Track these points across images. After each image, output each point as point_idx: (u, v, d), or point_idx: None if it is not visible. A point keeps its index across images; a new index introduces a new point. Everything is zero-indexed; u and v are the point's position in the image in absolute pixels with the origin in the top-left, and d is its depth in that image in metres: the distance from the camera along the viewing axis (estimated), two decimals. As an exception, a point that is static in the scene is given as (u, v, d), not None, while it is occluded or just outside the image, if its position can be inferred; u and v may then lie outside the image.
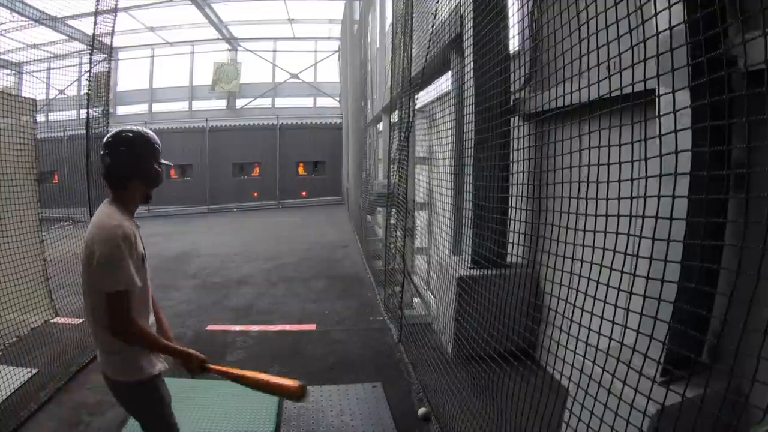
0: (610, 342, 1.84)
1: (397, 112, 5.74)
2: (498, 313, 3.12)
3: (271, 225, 14.83)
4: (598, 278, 1.82)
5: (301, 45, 20.67)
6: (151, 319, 2.30)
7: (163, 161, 2.26)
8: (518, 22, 2.97)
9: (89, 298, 2.08)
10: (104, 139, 2.18)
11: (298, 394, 2.20)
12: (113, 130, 2.23)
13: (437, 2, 4.19)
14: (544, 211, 2.32)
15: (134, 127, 2.23)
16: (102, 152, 2.13)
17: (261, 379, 2.37)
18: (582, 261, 1.91)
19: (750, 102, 1.44)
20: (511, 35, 3.49)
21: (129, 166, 2.13)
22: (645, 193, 1.63)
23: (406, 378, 4.35)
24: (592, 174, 1.88)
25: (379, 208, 8.47)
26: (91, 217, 4.78)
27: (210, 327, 5.82)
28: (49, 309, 5.42)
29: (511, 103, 3.62)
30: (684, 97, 1.72)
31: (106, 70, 5.08)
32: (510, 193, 2.82)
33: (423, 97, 5.40)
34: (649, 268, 1.69)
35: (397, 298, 5.25)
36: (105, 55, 4.97)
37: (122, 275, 1.97)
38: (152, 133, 2.26)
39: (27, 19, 6.41)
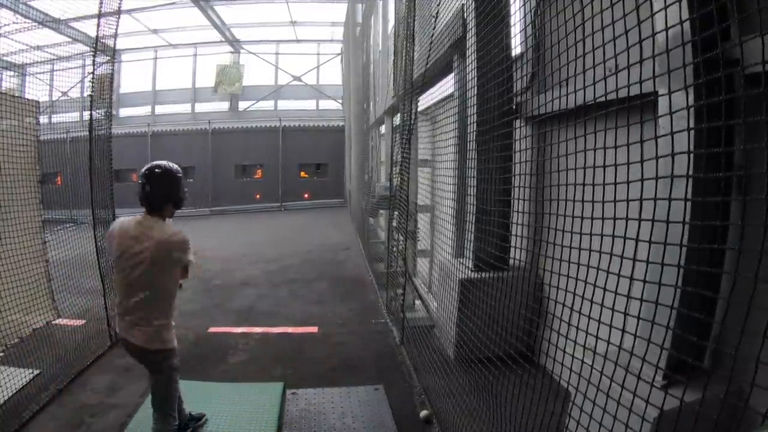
0: (608, 346, 1.84)
1: (399, 114, 5.75)
2: (499, 317, 3.12)
3: (273, 227, 14.85)
4: (595, 281, 1.81)
5: (303, 47, 20.71)
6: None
7: (186, 188, 2.99)
8: (520, 21, 2.97)
9: (146, 289, 2.78)
10: (143, 171, 2.84)
11: None
12: (150, 164, 2.88)
13: (438, 5, 4.20)
14: (546, 214, 2.32)
15: (165, 163, 2.90)
16: (142, 182, 2.81)
17: None
18: (579, 264, 1.91)
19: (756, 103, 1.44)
20: (513, 38, 3.50)
21: (165, 195, 2.86)
22: (655, 195, 1.63)
23: (407, 380, 4.34)
24: (589, 175, 1.88)
25: (381, 211, 8.48)
26: (93, 218, 4.84)
27: (212, 329, 5.82)
28: (51, 310, 5.43)
29: (514, 106, 3.62)
30: (686, 99, 1.72)
31: (109, 72, 5.10)
32: (512, 196, 2.82)
33: (425, 100, 5.40)
34: (646, 269, 1.69)
35: (399, 300, 5.25)
36: (108, 57, 4.99)
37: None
38: (177, 166, 2.95)
39: (30, 21, 6.44)
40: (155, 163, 2.89)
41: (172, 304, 2.95)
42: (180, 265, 2.88)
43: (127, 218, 2.87)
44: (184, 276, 3.00)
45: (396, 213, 5.57)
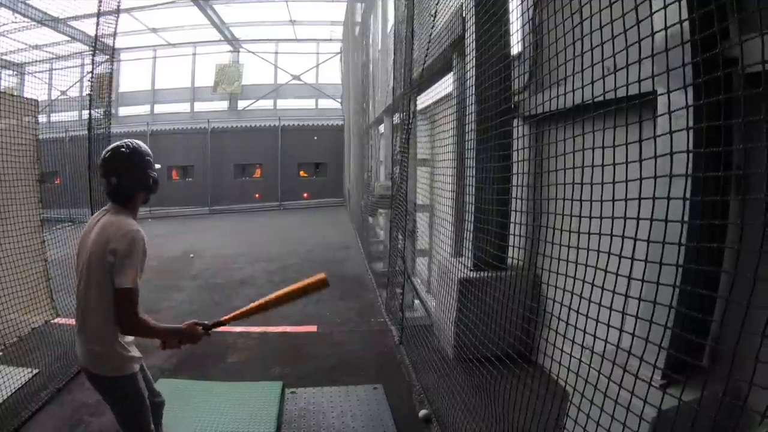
0: (605, 345, 1.84)
1: (398, 113, 5.75)
2: (498, 316, 3.12)
3: (272, 226, 14.84)
4: (593, 280, 1.82)
5: (302, 47, 20.69)
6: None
7: (157, 166, 2.46)
8: (518, 20, 2.97)
9: (96, 294, 2.20)
10: (102, 159, 2.32)
11: (325, 283, 2.75)
12: (109, 147, 2.35)
13: (437, 4, 4.19)
14: (544, 213, 2.33)
15: (126, 142, 2.36)
16: (103, 172, 2.32)
17: (283, 294, 2.66)
18: (577, 263, 1.91)
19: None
20: (512, 37, 3.50)
21: (133, 182, 2.34)
22: (653, 195, 1.63)
23: (407, 380, 4.34)
24: (587, 174, 1.88)
25: (380, 210, 8.47)
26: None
27: (211, 328, 5.81)
28: (49, 309, 5.42)
29: (512, 104, 3.62)
30: (685, 98, 1.72)
31: (109, 71, 5.09)
32: (511, 195, 2.82)
33: (424, 99, 5.40)
34: (644, 268, 1.69)
35: (398, 299, 5.25)
36: (107, 56, 4.98)
37: (133, 274, 2.17)
38: (141, 143, 2.41)
39: (29, 20, 6.43)
40: (116, 144, 2.34)
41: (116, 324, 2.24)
42: (109, 278, 2.15)
43: (95, 215, 2.40)
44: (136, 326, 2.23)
45: (395, 212, 5.57)
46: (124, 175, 2.30)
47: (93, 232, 2.27)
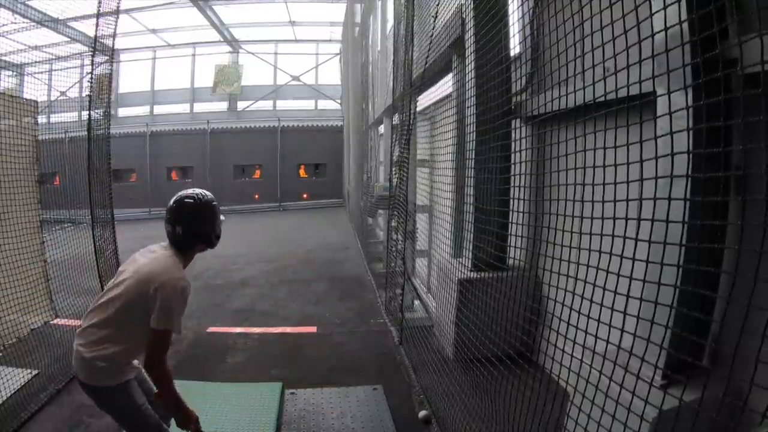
0: (606, 345, 1.84)
1: (398, 114, 5.75)
2: (498, 316, 3.12)
3: (272, 227, 14.84)
4: (595, 280, 1.82)
5: (302, 47, 20.71)
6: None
7: (222, 218, 2.49)
8: (519, 21, 2.97)
9: (123, 319, 2.22)
10: (172, 206, 2.35)
11: None
12: (179, 196, 2.37)
13: (437, 5, 4.20)
14: (545, 214, 2.33)
15: (197, 194, 2.39)
16: (171, 219, 2.33)
17: None
18: (579, 264, 1.91)
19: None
20: (511, 38, 3.51)
21: (198, 234, 2.38)
22: (654, 195, 1.63)
23: (406, 380, 4.34)
24: (588, 175, 1.88)
25: (380, 211, 8.48)
26: (92, 219, 4.83)
27: (211, 329, 5.81)
28: (49, 310, 5.42)
29: (512, 105, 3.62)
30: (685, 99, 1.72)
31: (108, 71, 5.09)
32: (511, 196, 2.82)
33: (424, 100, 5.40)
34: (646, 268, 1.69)
35: (398, 300, 5.25)
36: (107, 57, 4.98)
37: (178, 321, 2.22)
38: (210, 195, 2.43)
39: (29, 21, 6.43)
40: (185, 193, 2.37)
41: (131, 346, 2.29)
42: (146, 319, 2.18)
43: (155, 246, 2.43)
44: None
45: (395, 213, 5.57)
46: (190, 226, 2.34)
47: (146, 259, 2.31)
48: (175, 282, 2.20)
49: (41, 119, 6.08)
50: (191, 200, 2.34)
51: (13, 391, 3.88)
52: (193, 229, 2.34)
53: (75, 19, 6.34)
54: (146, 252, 2.39)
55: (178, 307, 2.21)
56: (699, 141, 1.76)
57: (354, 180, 12.65)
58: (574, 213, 1.98)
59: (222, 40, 19.31)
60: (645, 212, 1.65)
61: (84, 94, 4.94)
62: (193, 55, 20.65)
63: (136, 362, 2.41)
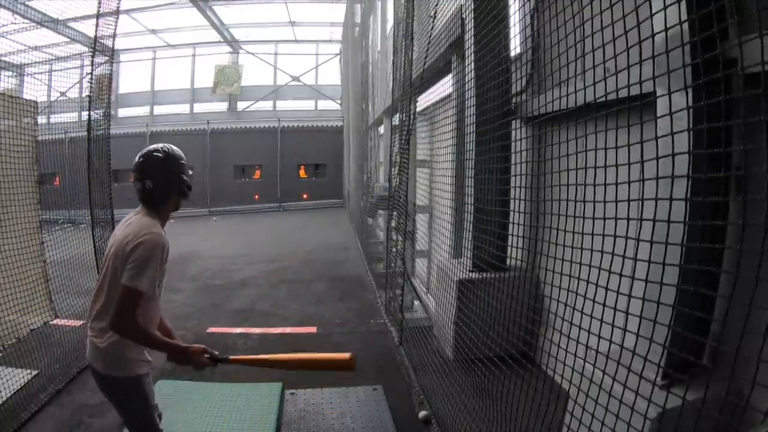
0: (610, 345, 1.84)
1: (398, 114, 5.75)
2: (498, 316, 3.12)
3: (272, 227, 14.84)
4: (597, 280, 1.82)
5: (302, 48, 20.73)
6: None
7: (190, 171, 2.41)
8: (518, 22, 2.98)
9: (108, 290, 2.17)
10: (137, 162, 2.28)
11: (351, 366, 2.39)
12: (146, 150, 2.31)
13: (437, 5, 4.20)
14: (546, 214, 2.33)
15: (161, 146, 2.32)
16: (138, 175, 2.27)
17: (302, 359, 2.56)
18: (580, 264, 1.91)
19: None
20: (511, 38, 3.51)
21: (168, 186, 2.31)
22: (656, 195, 1.63)
23: (406, 381, 4.34)
24: (589, 176, 1.89)
25: (380, 211, 8.48)
26: (92, 219, 4.82)
27: (210, 329, 5.81)
28: (48, 311, 5.42)
29: (512, 106, 3.63)
30: (685, 99, 1.72)
31: (108, 72, 5.09)
32: (510, 196, 2.82)
33: (424, 100, 5.40)
34: (648, 268, 1.70)
35: (398, 300, 5.25)
36: (107, 58, 4.98)
37: (147, 278, 2.09)
38: (175, 147, 2.37)
39: (29, 21, 6.43)
40: (151, 147, 2.32)
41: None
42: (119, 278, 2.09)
43: (128, 215, 2.39)
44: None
45: (395, 213, 5.57)
46: (158, 179, 2.27)
47: (120, 231, 2.26)
48: (149, 236, 2.15)
49: (41, 120, 6.09)
50: (158, 153, 2.27)
51: (13, 392, 3.88)
52: (164, 181, 2.28)
53: (75, 19, 6.34)
54: (122, 224, 2.34)
55: (150, 262, 2.11)
56: (699, 141, 1.76)
57: (354, 180, 12.65)
58: (575, 213, 1.98)
59: (222, 40, 19.33)
60: (646, 212, 1.65)
61: (84, 95, 4.93)
62: (193, 55, 20.67)
63: (149, 357, 2.33)
